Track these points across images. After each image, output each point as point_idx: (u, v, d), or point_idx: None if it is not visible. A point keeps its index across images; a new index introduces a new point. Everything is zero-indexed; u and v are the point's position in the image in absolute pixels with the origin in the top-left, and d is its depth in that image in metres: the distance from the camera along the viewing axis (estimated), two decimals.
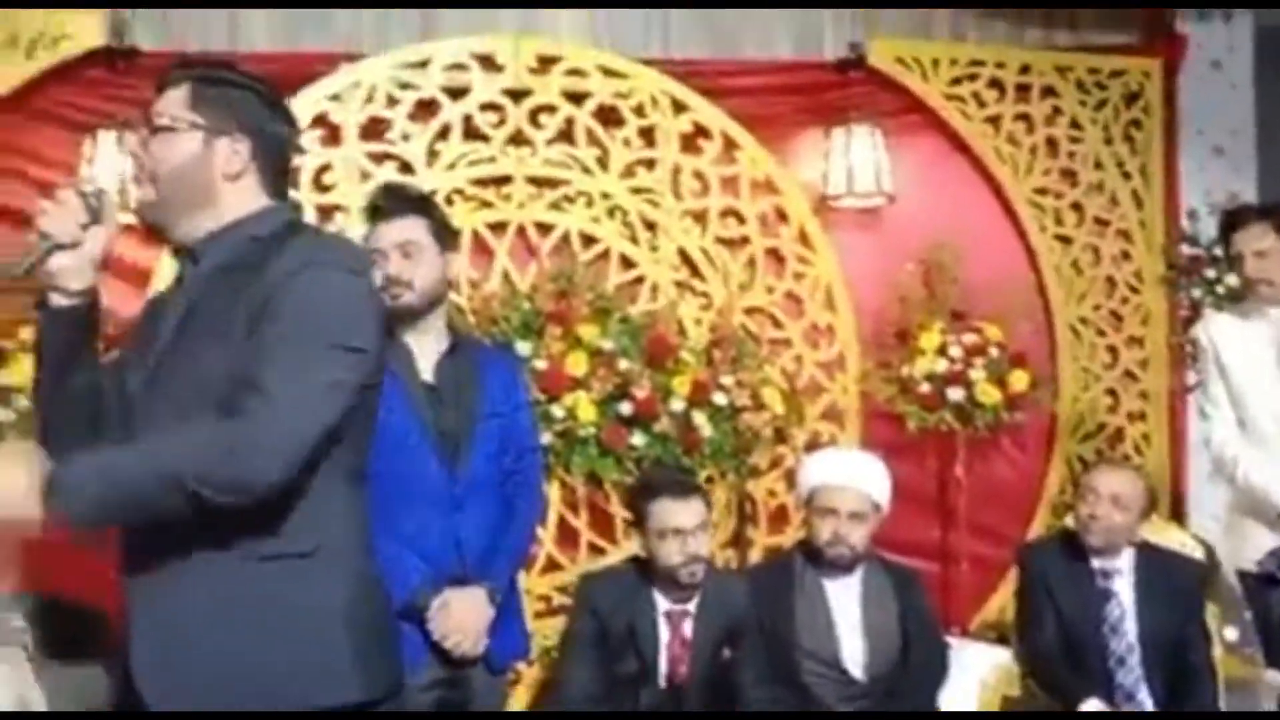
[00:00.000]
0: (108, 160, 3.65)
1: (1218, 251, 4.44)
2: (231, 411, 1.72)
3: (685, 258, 4.12)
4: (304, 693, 1.79)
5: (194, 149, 1.87)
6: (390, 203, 2.79)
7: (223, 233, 1.88)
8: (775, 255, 4.22)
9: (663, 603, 3.13)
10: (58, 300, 1.84)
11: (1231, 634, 3.76)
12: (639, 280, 4.07)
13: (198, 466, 1.68)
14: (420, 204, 2.83)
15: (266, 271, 1.79)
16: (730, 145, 4.16)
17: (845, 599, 3.32)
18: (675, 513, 3.07)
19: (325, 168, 3.82)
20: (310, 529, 1.80)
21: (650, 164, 4.09)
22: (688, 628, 3.12)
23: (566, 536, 3.93)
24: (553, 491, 3.84)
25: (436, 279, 2.75)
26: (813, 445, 4.11)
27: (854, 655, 3.27)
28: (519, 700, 3.56)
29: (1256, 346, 3.49)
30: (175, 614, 1.77)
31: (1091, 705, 3.21)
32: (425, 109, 3.90)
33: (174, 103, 1.89)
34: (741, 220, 4.18)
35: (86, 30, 3.74)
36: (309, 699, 1.79)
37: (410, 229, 2.73)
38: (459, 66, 3.92)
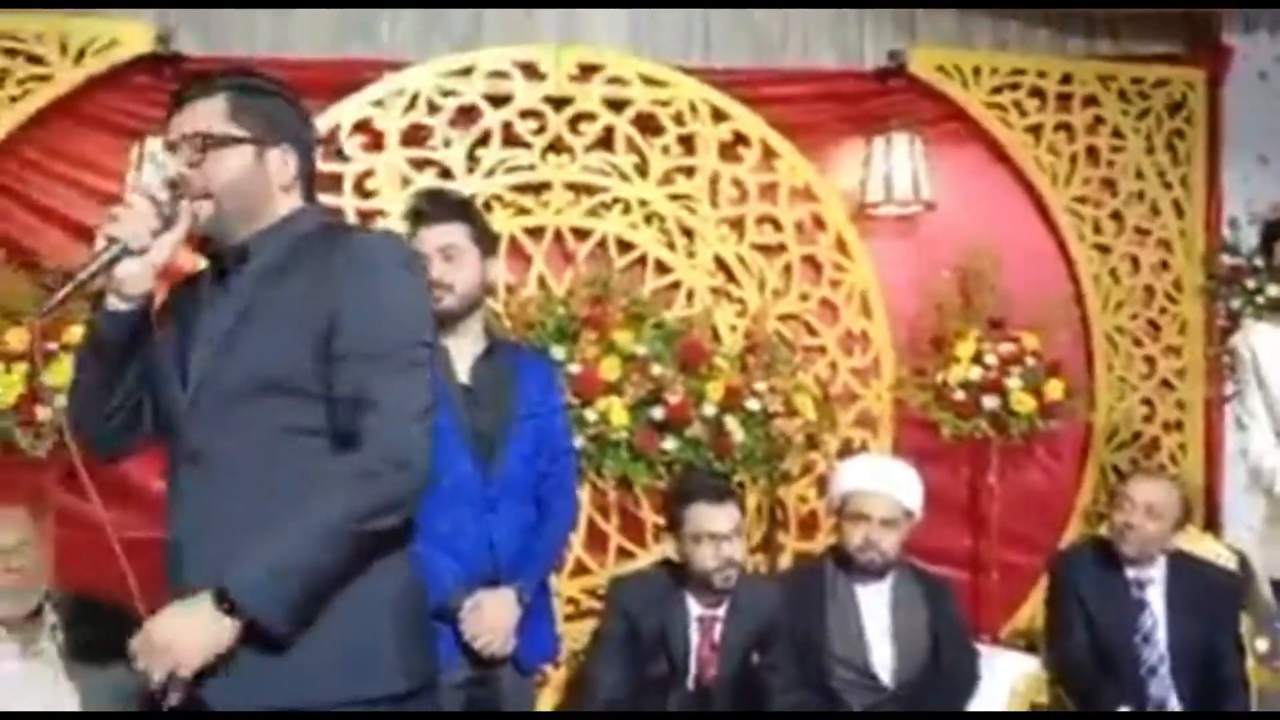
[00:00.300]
0: (154, 165, 3.73)
1: (1259, 262, 4.43)
2: (353, 438, 1.79)
3: (721, 264, 4.15)
4: (350, 683, 1.82)
5: (247, 162, 1.90)
6: (433, 207, 2.83)
7: (271, 231, 1.92)
8: (812, 262, 4.24)
9: (694, 607, 3.16)
10: (116, 304, 1.87)
11: (1263, 645, 3.74)
12: (675, 286, 4.10)
13: (351, 510, 1.75)
14: (462, 209, 2.88)
15: (329, 271, 1.83)
16: (769, 153, 4.18)
17: (876, 605, 3.35)
18: (711, 517, 3.10)
19: (367, 173, 3.88)
20: None
21: (689, 171, 4.12)
22: (717, 632, 3.16)
23: (596, 540, 3.97)
24: (583, 495, 3.87)
25: (476, 283, 2.80)
26: (845, 452, 4.13)
27: (883, 661, 3.29)
28: (546, 702, 3.59)
29: None
30: None
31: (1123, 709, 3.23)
32: (466, 116, 3.95)
33: (213, 116, 1.89)
34: (779, 227, 4.20)
35: (135, 37, 3.81)
36: (355, 690, 1.82)
37: (452, 233, 2.77)
38: (501, 74, 3.97)
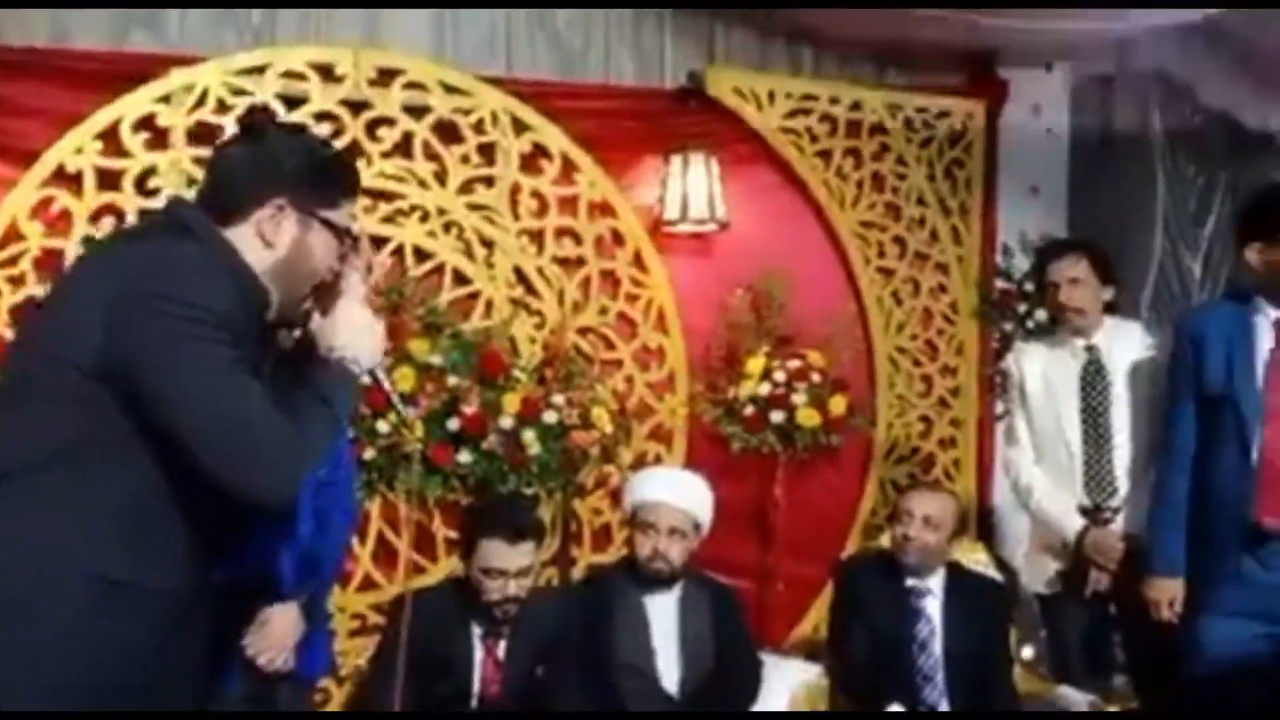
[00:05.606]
0: None
1: (1029, 287, 4.67)
2: None
3: (521, 276, 4.14)
4: None
5: None
6: None
7: None
8: (610, 277, 4.27)
9: (477, 625, 3.16)
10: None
11: (1028, 652, 3.95)
12: (473, 297, 4.07)
13: None
14: None
15: None
16: (570, 167, 4.20)
17: (663, 614, 3.40)
18: (503, 556, 3.10)
19: (150, 171, 3.72)
20: None
21: (489, 181, 4.10)
22: (501, 649, 3.16)
23: (386, 555, 3.89)
24: (373, 508, 3.81)
25: None
26: (639, 465, 4.16)
27: (669, 669, 3.34)
28: None
29: (1058, 378, 3.66)
30: None
31: (895, 708, 3.35)
32: None
33: None
34: (578, 241, 4.22)
35: None
36: None
37: None
38: (296, 75, 3.87)
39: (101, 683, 1.75)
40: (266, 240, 1.86)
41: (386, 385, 2.06)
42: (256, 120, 1.93)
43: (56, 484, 1.74)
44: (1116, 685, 3.79)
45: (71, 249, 3.62)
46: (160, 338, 1.71)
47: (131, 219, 3.65)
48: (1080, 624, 3.69)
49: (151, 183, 3.72)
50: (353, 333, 1.91)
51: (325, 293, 1.94)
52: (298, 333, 1.98)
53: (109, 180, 3.68)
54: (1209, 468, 3.14)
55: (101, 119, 3.66)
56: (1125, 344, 3.62)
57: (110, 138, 3.68)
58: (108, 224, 3.65)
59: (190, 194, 3.48)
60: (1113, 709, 3.57)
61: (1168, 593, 3.21)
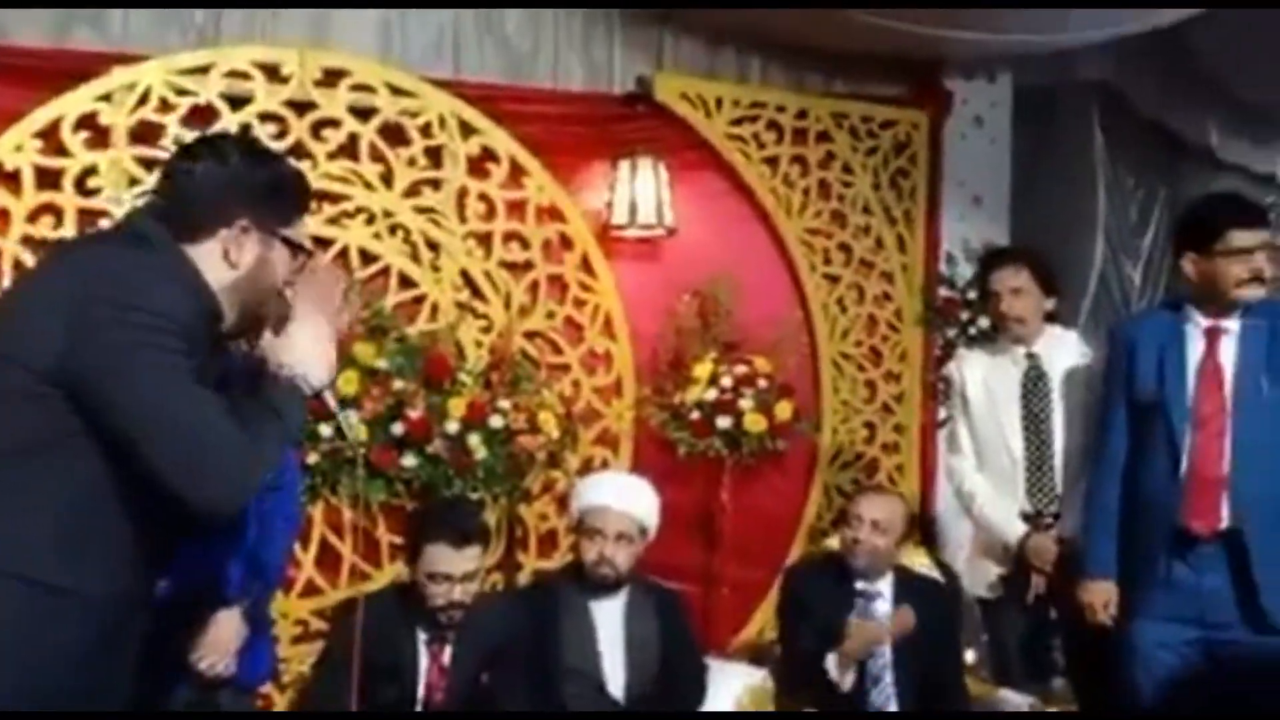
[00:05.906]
0: None
1: (972, 295, 4.73)
2: None
3: (467, 280, 4.13)
4: None
5: None
6: None
7: None
8: (558, 281, 4.27)
9: (422, 631, 3.14)
10: None
11: (971, 656, 3.98)
12: (419, 300, 4.05)
13: None
14: None
15: None
16: (518, 170, 4.19)
17: (609, 619, 3.39)
18: (448, 560, 3.08)
19: (91, 170, 3.67)
20: None
21: (436, 184, 4.08)
22: (447, 655, 3.14)
23: (329, 560, 3.87)
24: (317, 513, 3.78)
25: None
26: (586, 469, 4.16)
27: (615, 674, 3.34)
28: None
29: (1000, 385, 3.70)
30: None
31: (831, 660, 3.36)
32: (202, 116, 3.79)
33: None
34: (526, 245, 4.22)
35: None
36: None
37: None
38: (241, 75, 3.83)
39: (37, 687, 1.74)
40: (231, 260, 1.89)
41: (333, 404, 2.06)
42: (219, 140, 2.00)
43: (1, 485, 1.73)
44: (1055, 688, 3.84)
45: (9, 248, 3.57)
46: (119, 344, 1.72)
47: (70, 219, 3.61)
48: (1020, 628, 3.73)
49: (91, 182, 3.68)
50: (303, 352, 1.92)
51: (275, 308, 1.95)
52: (244, 346, 1.99)
53: (48, 179, 3.63)
54: (1140, 473, 3.19)
55: (41, 117, 3.62)
56: (1065, 352, 3.67)
57: (50, 136, 3.63)
58: (46, 223, 3.61)
59: (130, 193, 3.55)
60: (1052, 710, 3.62)
61: (1101, 595, 3.25)
